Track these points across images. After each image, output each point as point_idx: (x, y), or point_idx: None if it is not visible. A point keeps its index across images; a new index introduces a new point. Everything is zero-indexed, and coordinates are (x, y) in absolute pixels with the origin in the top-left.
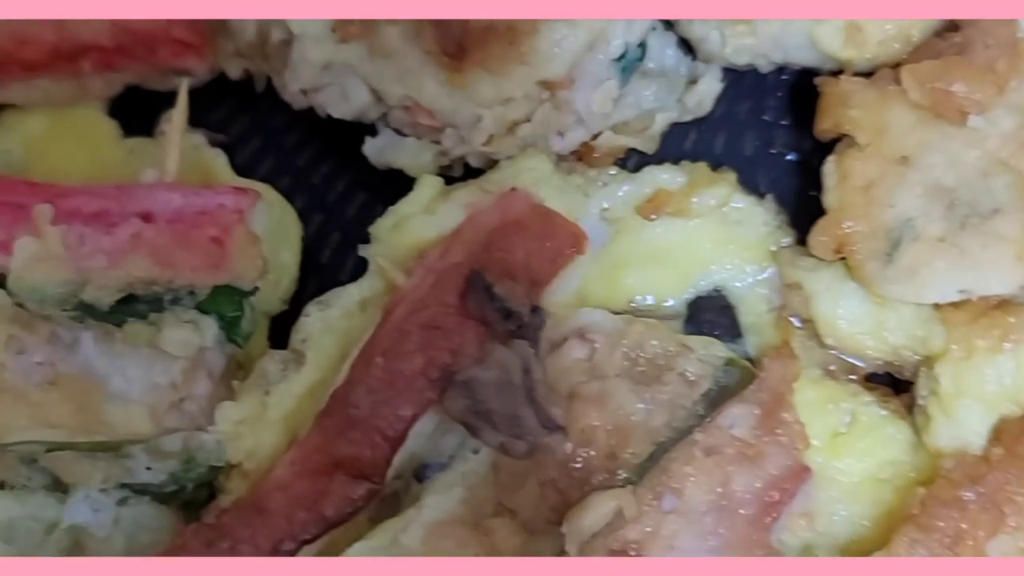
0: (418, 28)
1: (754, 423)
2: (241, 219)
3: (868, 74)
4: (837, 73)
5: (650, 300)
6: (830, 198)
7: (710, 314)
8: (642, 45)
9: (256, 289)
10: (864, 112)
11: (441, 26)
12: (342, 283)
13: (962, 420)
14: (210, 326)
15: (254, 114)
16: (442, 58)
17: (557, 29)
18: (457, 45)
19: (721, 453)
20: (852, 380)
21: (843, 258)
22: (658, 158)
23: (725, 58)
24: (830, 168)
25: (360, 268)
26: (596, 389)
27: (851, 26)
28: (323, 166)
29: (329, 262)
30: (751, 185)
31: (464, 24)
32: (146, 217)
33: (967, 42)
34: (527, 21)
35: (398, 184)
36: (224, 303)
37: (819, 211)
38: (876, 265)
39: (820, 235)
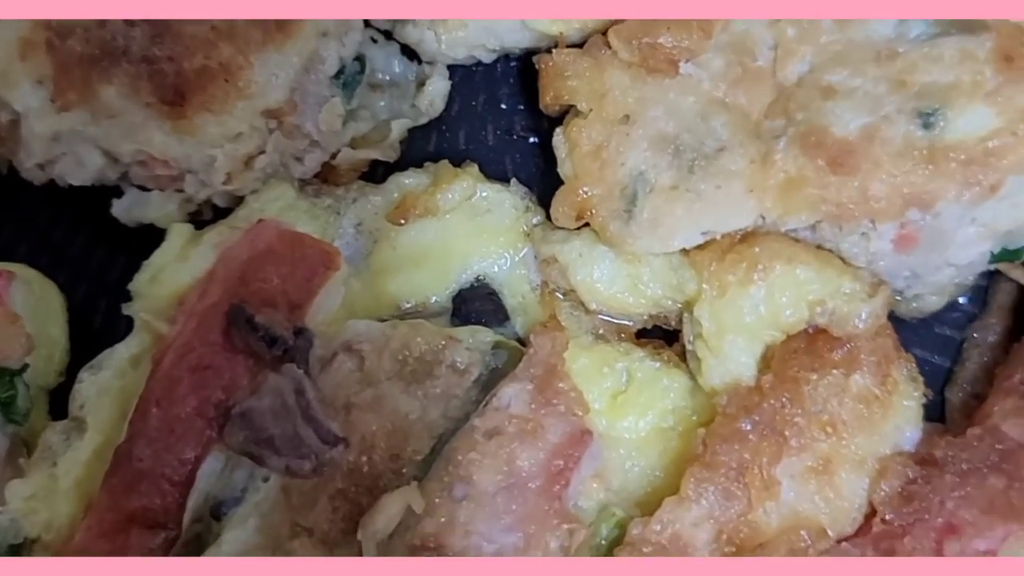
0: (134, 83)
1: (529, 398)
2: None
3: (582, 44)
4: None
5: (414, 302)
6: (564, 168)
7: (476, 303)
8: (360, 59)
9: (26, 367)
10: (581, 80)
11: (155, 76)
12: None
13: (729, 356)
14: None
15: (4, 198)
16: (163, 107)
17: (270, 58)
18: (175, 92)
19: (502, 433)
20: (624, 340)
21: (587, 224)
22: (404, 164)
23: (445, 55)
24: (559, 140)
25: (131, 328)
26: (370, 396)
27: None
28: (78, 236)
29: (101, 328)
30: (499, 173)
31: (178, 69)
32: None
33: None
34: (240, 56)
35: (156, 240)
36: None
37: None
38: (618, 224)
39: (560, 206)
